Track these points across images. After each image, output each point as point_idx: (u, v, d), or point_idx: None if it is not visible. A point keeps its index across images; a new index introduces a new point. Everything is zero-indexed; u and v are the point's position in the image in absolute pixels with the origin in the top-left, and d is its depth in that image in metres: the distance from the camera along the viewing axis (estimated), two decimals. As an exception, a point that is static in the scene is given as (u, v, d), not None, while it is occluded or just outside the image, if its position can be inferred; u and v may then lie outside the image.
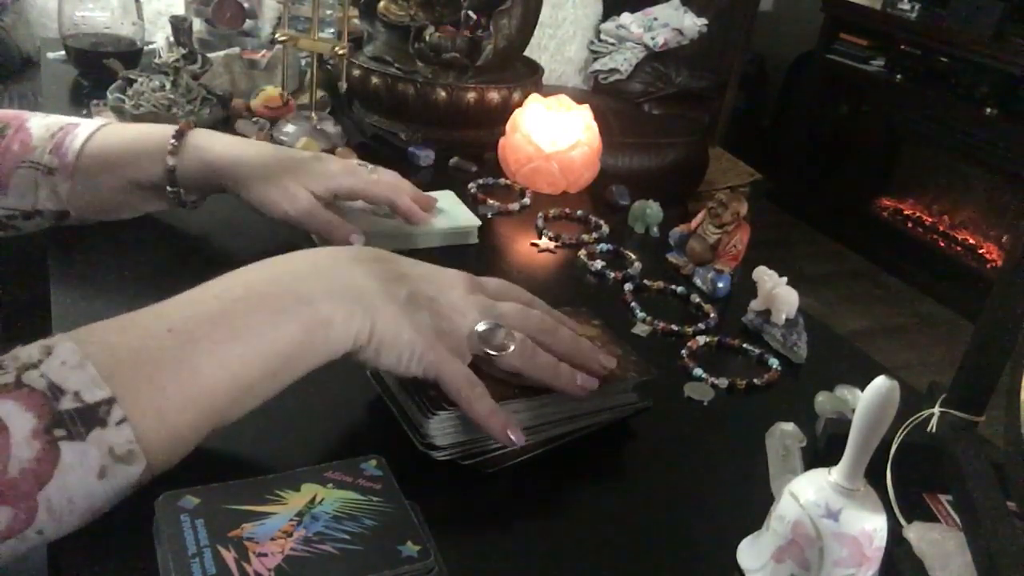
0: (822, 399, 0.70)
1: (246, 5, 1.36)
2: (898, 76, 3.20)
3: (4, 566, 0.42)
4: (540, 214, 0.97)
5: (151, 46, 1.30)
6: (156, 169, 0.74)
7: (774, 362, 0.76)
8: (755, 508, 0.55)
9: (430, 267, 0.59)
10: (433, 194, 0.94)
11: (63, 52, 1.23)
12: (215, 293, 0.50)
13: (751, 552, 0.53)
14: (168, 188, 0.75)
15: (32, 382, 0.42)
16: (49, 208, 0.73)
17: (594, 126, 1.06)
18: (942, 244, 3.15)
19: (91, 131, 0.73)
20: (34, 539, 0.42)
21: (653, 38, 2.86)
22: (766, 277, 0.80)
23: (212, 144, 0.75)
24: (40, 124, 0.74)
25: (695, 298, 0.85)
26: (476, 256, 0.89)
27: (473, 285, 0.59)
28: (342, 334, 0.51)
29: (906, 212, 3.31)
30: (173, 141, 0.73)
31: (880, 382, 0.47)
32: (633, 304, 0.81)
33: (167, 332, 0.47)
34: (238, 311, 0.49)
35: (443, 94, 1.09)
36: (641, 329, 0.79)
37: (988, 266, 2.97)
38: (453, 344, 0.55)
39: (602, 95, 2.77)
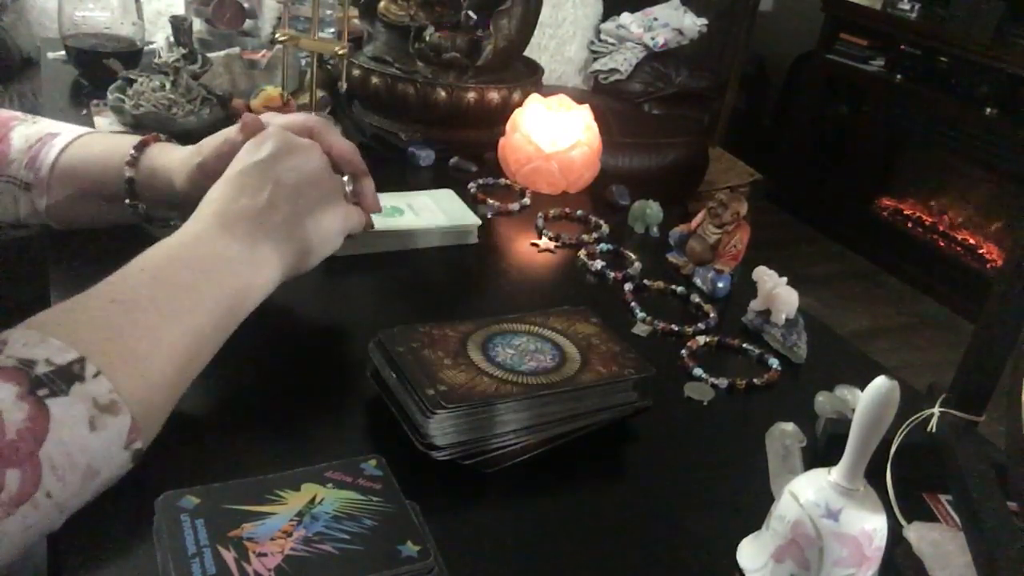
0: (822, 399, 0.70)
1: (246, 5, 1.36)
2: (898, 76, 3.19)
3: (20, 553, 0.42)
4: (540, 214, 0.97)
5: (151, 46, 1.30)
6: (119, 182, 0.71)
7: (774, 362, 0.76)
8: (755, 508, 0.55)
9: (258, 167, 0.61)
10: (433, 193, 0.94)
11: (63, 52, 1.23)
12: (140, 266, 0.54)
13: (751, 552, 0.53)
14: (127, 201, 0.71)
15: (1, 363, 0.43)
16: (31, 222, 0.74)
17: (594, 126, 1.06)
18: (942, 244, 3.15)
19: (65, 143, 0.72)
20: (44, 505, 0.42)
21: (653, 38, 2.86)
22: (766, 277, 0.80)
23: (163, 154, 0.71)
24: (22, 135, 0.73)
25: (695, 298, 0.85)
26: (476, 256, 0.89)
27: (278, 143, 0.63)
28: (266, 278, 0.59)
29: (906, 212, 3.31)
30: (133, 152, 0.71)
31: (880, 382, 0.47)
32: (633, 304, 0.81)
33: (111, 303, 0.50)
34: (168, 276, 0.54)
35: (443, 94, 1.09)
36: (641, 329, 0.79)
37: (988, 266, 2.97)
38: (324, 190, 0.63)
39: (602, 95, 2.77)
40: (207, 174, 0.65)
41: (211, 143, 0.68)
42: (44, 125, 0.75)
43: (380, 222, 0.86)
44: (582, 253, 0.90)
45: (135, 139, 0.72)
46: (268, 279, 0.59)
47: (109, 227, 0.77)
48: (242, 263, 0.57)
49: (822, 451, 0.64)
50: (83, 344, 0.46)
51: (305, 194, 0.61)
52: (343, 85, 1.08)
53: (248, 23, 1.37)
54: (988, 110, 2.86)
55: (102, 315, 0.49)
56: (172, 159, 0.70)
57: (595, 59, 2.90)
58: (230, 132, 0.67)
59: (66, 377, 0.44)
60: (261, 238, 0.58)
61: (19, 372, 0.43)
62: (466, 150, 1.11)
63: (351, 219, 0.66)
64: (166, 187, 0.70)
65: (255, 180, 0.60)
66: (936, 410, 0.62)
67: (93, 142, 0.74)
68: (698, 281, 0.88)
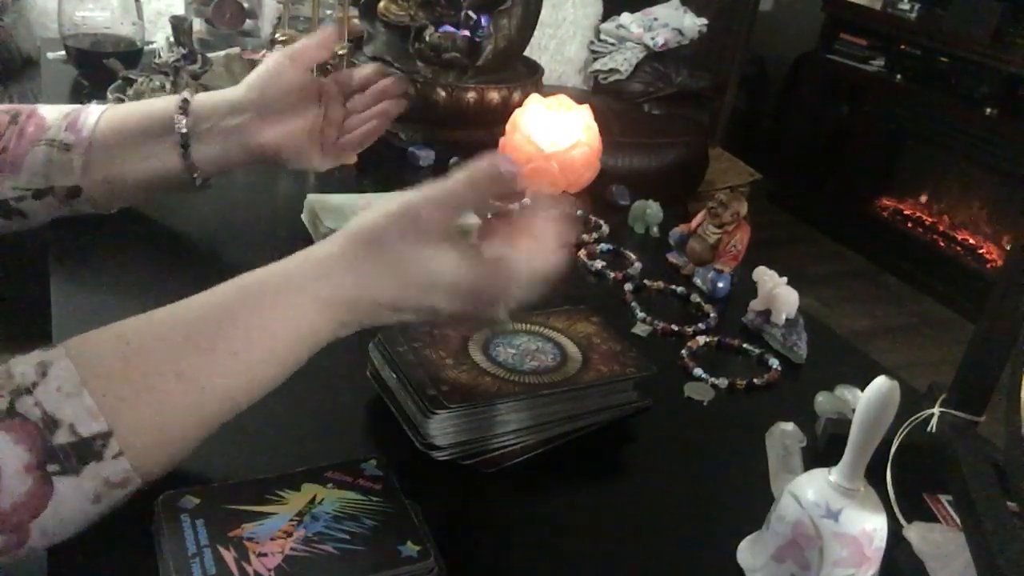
0: (822, 399, 0.70)
1: (246, 5, 1.36)
2: (898, 76, 3.19)
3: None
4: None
5: (151, 46, 1.30)
6: (171, 111, 0.72)
7: (774, 362, 0.76)
8: (755, 508, 0.55)
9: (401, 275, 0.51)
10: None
11: (63, 52, 1.23)
12: (223, 337, 0.47)
13: (751, 552, 0.53)
14: (176, 115, 0.71)
15: (26, 411, 0.41)
16: (61, 184, 0.71)
17: (594, 126, 1.06)
18: (942, 244, 3.15)
19: (105, 108, 0.74)
20: (24, 553, 0.42)
21: (653, 38, 2.85)
22: (766, 277, 0.80)
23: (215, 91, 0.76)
24: (53, 108, 0.74)
25: (695, 298, 0.85)
26: (476, 256, 0.89)
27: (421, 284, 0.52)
28: (325, 339, 0.51)
29: (906, 212, 3.31)
30: (193, 88, 0.76)
31: (880, 382, 0.47)
32: (633, 304, 0.81)
33: (175, 378, 0.45)
34: (238, 337, 0.48)
35: (443, 94, 1.09)
36: (641, 329, 0.78)
37: (988, 266, 2.97)
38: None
39: (602, 95, 2.77)
40: (294, 59, 0.73)
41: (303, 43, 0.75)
42: (70, 105, 0.75)
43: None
44: (582, 253, 0.90)
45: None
46: (323, 343, 0.52)
47: (112, 226, 0.77)
48: (318, 327, 0.50)
49: (822, 451, 0.64)
50: (121, 415, 0.43)
51: (429, 304, 0.51)
52: (343, 85, 1.07)
53: (248, 23, 1.37)
54: (988, 110, 2.86)
55: (161, 388, 0.45)
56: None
57: (595, 59, 2.89)
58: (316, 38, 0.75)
59: (83, 454, 0.42)
60: (344, 317, 0.51)
61: (37, 436, 0.41)
62: (466, 150, 1.11)
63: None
64: (226, 97, 0.74)
65: (388, 278, 0.50)
66: (936, 410, 0.62)
67: (134, 103, 0.77)
68: (698, 281, 0.88)
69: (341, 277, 0.49)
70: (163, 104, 0.73)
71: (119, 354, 0.45)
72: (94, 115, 0.72)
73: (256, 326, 0.48)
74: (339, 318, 0.50)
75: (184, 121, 0.72)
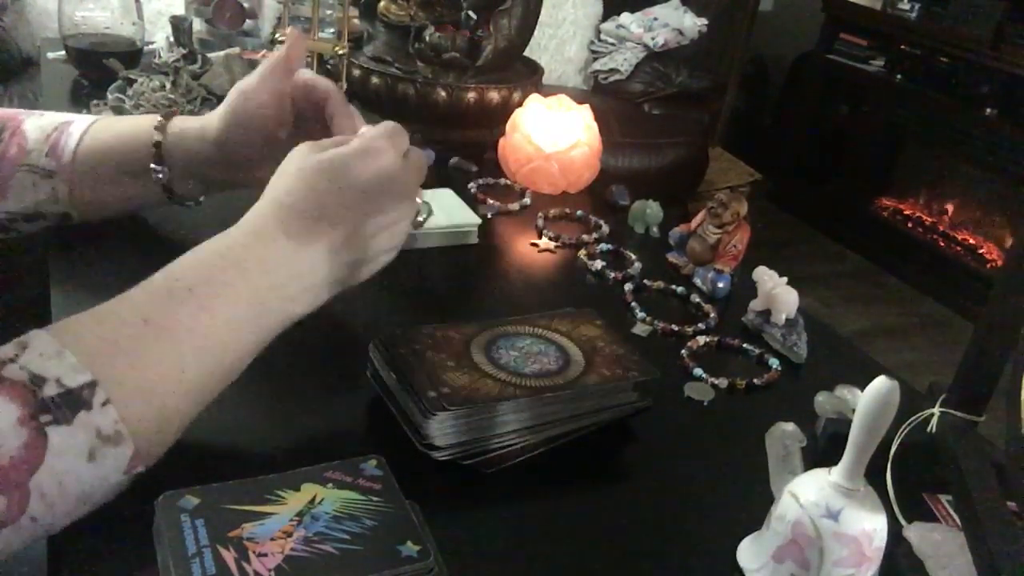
0: (822, 399, 0.70)
1: (246, 5, 1.36)
2: (898, 76, 3.20)
3: (2, 560, 0.42)
4: (540, 214, 0.97)
5: (151, 46, 1.30)
6: (145, 151, 0.72)
7: (774, 362, 0.76)
8: (755, 508, 0.55)
9: (333, 165, 0.56)
10: (433, 192, 0.94)
11: (63, 52, 1.23)
12: (182, 279, 0.51)
13: (751, 552, 0.53)
14: (153, 166, 0.72)
15: (12, 375, 0.42)
16: (51, 211, 0.73)
17: (594, 126, 1.06)
18: (942, 244, 3.15)
19: (84, 128, 0.73)
20: (28, 527, 0.42)
21: (653, 38, 2.85)
22: (766, 277, 0.81)
23: (192, 118, 0.74)
24: (35, 125, 0.73)
25: (695, 298, 0.85)
26: (476, 256, 0.89)
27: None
28: (309, 305, 0.56)
29: (906, 212, 3.31)
30: (161, 119, 0.73)
31: (880, 382, 0.47)
32: (633, 304, 0.81)
33: (143, 323, 0.48)
34: (209, 296, 0.51)
35: (443, 94, 1.09)
36: (641, 329, 0.78)
37: (988, 266, 2.97)
38: (394, 198, 0.58)
39: (602, 95, 2.77)
40: (249, 97, 0.68)
41: (256, 72, 0.69)
42: (54, 115, 0.75)
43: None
44: (582, 253, 0.90)
45: (156, 116, 0.74)
46: (313, 292, 0.55)
47: (113, 226, 0.77)
48: (287, 267, 0.53)
49: (822, 451, 0.64)
50: (101, 365, 0.45)
51: (374, 201, 0.56)
52: (343, 85, 1.08)
53: (248, 23, 1.37)
54: (988, 110, 2.87)
55: (130, 334, 0.47)
56: (203, 117, 0.72)
57: (595, 59, 2.89)
58: (274, 55, 0.69)
59: (72, 404, 0.43)
60: (314, 241, 0.54)
61: (26, 391, 0.42)
62: (466, 150, 1.11)
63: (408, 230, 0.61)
64: (197, 143, 0.71)
65: (325, 178, 0.55)
66: (936, 410, 0.62)
67: (114, 122, 0.76)
68: (698, 281, 0.88)
69: (273, 191, 0.56)
70: (138, 144, 0.72)
71: (93, 317, 0.48)
72: (75, 136, 0.72)
73: (217, 244, 0.54)
74: (286, 224, 0.54)
75: (162, 173, 0.72)
